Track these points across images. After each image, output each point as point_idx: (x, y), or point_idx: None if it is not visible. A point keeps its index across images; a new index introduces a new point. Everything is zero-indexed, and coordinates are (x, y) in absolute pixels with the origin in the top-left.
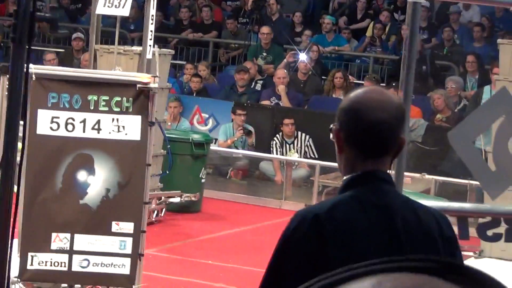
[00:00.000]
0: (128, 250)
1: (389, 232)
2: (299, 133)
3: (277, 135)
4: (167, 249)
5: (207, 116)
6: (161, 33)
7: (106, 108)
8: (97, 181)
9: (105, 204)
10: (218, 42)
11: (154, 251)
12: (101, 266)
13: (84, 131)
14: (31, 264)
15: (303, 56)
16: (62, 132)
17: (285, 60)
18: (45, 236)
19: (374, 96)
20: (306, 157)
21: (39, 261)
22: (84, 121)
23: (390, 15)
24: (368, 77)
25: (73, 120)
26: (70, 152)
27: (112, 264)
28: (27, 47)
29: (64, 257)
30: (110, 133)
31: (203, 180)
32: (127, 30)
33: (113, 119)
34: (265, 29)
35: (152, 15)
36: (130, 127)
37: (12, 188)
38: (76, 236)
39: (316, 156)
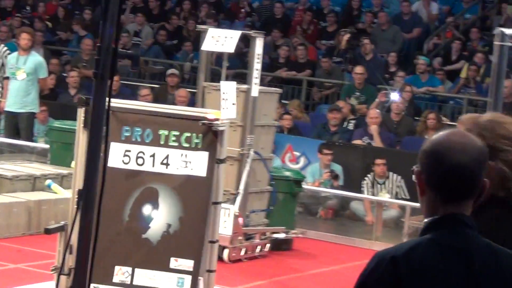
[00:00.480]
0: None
1: (467, 277)
2: (391, 173)
3: (368, 175)
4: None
5: (298, 154)
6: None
7: (176, 144)
8: (160, 216)
9: (165, 239)
10: (312, 80)
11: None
12: None
13: (153, 166)
14: None
15: (395, 96)
16: (132, 166)
17: (377, 99)
18: (108, 268)
19: (456, 139)
20: (397, 198)
21: None
22: (153, 155)
23: (485, 56)
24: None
25: (143, 154)
26: (139, 186)
27: None
28: (109, 82)
29: None
30: (177, 168)
31: (295, 217)
32: (222, 67)
33: (181, 155)
34: (358, 69)
35: (258, 54)
36: (197, 163)
37: (92, 220)
38: (137, 270)
39: (408, 197)
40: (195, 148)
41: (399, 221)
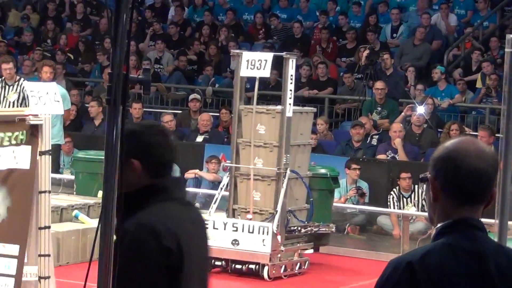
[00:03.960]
0: (13, 271)
1: (482, 278)
2: (416, 186)
3: (394, 189)
4: None
5: None
6: (277, 91)
7: (8, 143)
8: None
9: None
10: (334, 98)
11: None
12: None
13: None
14: None
15: (421, 109)
16: None
17: (402, 113)
18: None
19: (470, 146)
20: (424, 211)
21: None
22: None
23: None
24: (483, 126)
25: None
26: None
27: None
28: (121, 108)
29: None
30: (5, 163)
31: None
32: (244, 89)
33: (12, 151)
34: (379, 84)
35: (291, 75)
36: (21, 157)
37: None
38: None
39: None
40: (20, 144)
41: (426, 233)
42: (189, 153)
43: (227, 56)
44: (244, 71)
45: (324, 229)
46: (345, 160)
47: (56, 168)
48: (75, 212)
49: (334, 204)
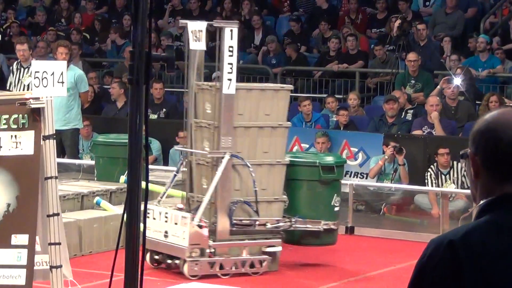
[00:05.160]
0: (24, 262)
1: None
2: (455, 162)
3: (432, 166)
4: None
5: (356, 150)
6: (304, 67)
7: (5, 126)
8: (0, 197)
9: (6, 218)
10: (365, 72)
11: None
12: (2, 278)
13: None
14: None
15: (457, 81)
16: None
17: (438, 86)
18: None
19: (511, 117)
20: (464, 188)
21: None
22: None
23: None
24: None
25: None
26: None
27: (10, 276)
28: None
29: None
30: (9, 149)
31: (336, 209)
32: (269, 65)
33: (11, 136)
34: (412, 56)
35: (231, 47)
36: (25, 142)
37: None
38: None
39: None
40: (23, 128)
41: (467, 211)
42: None
43: (250, 31)
44: (193, 44)
45: (304, 225)
46: (378, 137)
47: (75, 154)
48: (97, 199)
49: (369, 183)
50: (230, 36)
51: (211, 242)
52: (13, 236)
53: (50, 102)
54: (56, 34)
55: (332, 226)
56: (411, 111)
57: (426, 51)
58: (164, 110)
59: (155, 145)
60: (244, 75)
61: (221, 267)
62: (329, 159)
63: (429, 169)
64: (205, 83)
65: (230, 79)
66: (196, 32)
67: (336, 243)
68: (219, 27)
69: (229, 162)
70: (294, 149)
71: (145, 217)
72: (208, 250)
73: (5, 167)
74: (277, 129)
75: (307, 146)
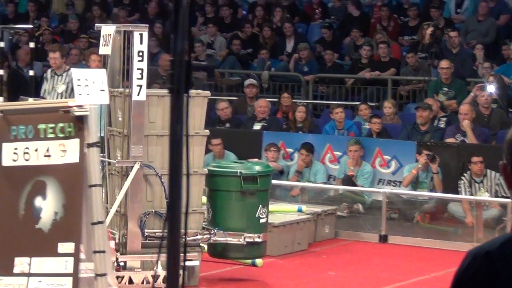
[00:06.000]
0: (70, 270)
1: None
2: (488, 171)
3: (465, 174)
4: None
5: (389, 158)
6: (336, 74)
7: (53, 135)
8: (48, 205)
9: (54, 226)
10: (397, 79)
11: None
12: (49, 286)
13: (38, 159)
14: None
15: (490, 88)
16: (21, 162)
17: (471, 94)
18: (9, 260)
19: None
20: (497, 196)
21: (5, 284)
22: (37, 150)
23: None
24: None
25: (29, 149)
26: (30, 179)
27: (57, 284)
28: (185, 95)
29: (24, 280)
30: (58, 158)
31: (262, 220)
32: (301, 73)
33: (59, 145)
34: (444, 63)
35: (140, 51)
36: (71, 151)
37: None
38: (34, 259)
39: (509, 195)
40: (69, 137)
41: (501, 220)
42: (247, 142)
43: (282, 38)
44: (102, 49)
45: (224, 238)
46: (411, 145)
47: None
48: None
49: (402, 191)
50: (140, 40)
51: (119, 255)
52: (59, 244)
53: (94, 110)
54: (88, 41)
55: (257, 239)
56: (444, 118)
57: (458, 58)
58: None
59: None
60: (276, 82)
61: (130, 281)
62: (254, 168)
63: (463, 178)
64: (117, 89)
65: (140, 85)
66: (106, 36)
67: (264, 256)
68: (127, 31)
69: (139, 172)
70: (327, 157)
71: (186, 228)
72: (115, 263)
73: (54, 175)
74: (194, 137)
75: (340, 154)
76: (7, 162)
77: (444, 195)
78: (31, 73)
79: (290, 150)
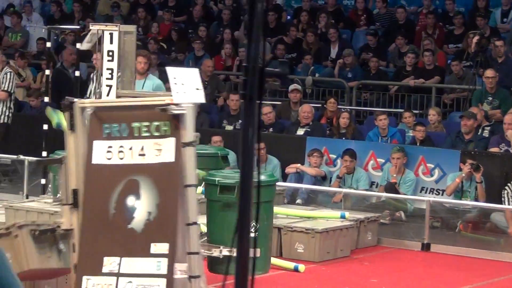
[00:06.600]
0: (164, 271)
1: None
2: None
3: (509, 184)
4: None
5: (432, 166)
6: (380, 81)
7: (148, 134)
8: (141, 205)
9: (147, 226)
10: (441, 87)
11: None
12: (142, 287)
13: (132, 158)
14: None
15: None
16: (115, 160)
17: None
18: (98, 260)
19: None
20: None
21: (93, 283)
22: (131, 148)
23: None
24: None
25: (123, 147)
26: (122, 178)
27: (149, 285)
28: (258, 102)
29: (113, 280)
30: (152, 157)
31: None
32: (345, 79)
33: (154, 143)
34: (489, 72)
35: (110, 51)
36: (167, 149)
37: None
38: (124, 259)
39: None
40: (165, 136)
41: None
42: (290, 147)
43: (327, 43)
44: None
45: None
46: (455, 153)
47: None
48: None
49: (445, 200)
50: (110, 40)
51: None
52: (152, 244)
53: (191, 109)
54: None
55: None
56: (488, 128)
57: (503, 68)
58: (239, 121)
59: (232, 157)
60: (320, 88)
61: None
62: (235, 177)
63: (506, 187)
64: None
65: (109, 86)
66: (93, 34)
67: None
68: (98, 30)
69: None
70: (370, 164)
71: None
72: None
73: (149, 175)
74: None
75: (383, 161)
76: (98, 160)
77: (487, 204)
78: (77, 73)
79: (333, 156)
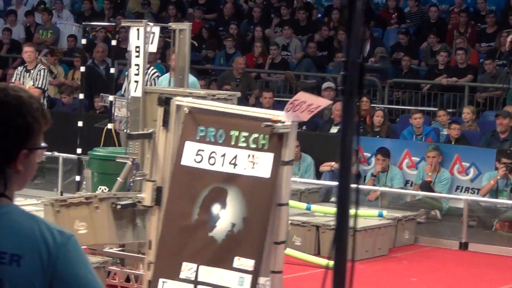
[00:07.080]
0: (246, 287)
1: None
2: None
3: None
4: None
5: (468, 165)
6: (411, 79)
7: (244, 144)
8: (226, 215)
9: (229, 238)
10: (474, 86)
11: None
12: None
13: (222, 165)
14: None
15: None
16: (204, 165)
17: None
18: (176, 264)
19: None
20: None
21: None
22: (224, 155)
23: None
24: None
25: (215, 153)
26: (208, 184)
27: None
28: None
29: (189, 287)
30: (245, 169)
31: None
32: (377, 77)
33: (249, 155)
34: None
35: (137, 46)
36: (262, 164)
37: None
38: (201, 267)
39: None
40: (262, 149)
41: None
42: (324, 145)
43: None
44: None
45: None
46: (491, 152)
47: None
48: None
49: (481, 199)
50: (137, 35)
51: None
52: (236, 258)
53: (294, 127)
54: (164, 41)
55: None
56: None
57: None
58: None
59: None
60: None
61: None
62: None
63: None
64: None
65: (137, 81)
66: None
67: None
68: (126, 26)
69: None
70: (405, 162)
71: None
72: None
73: (238, 186)
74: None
75: (418, 159)
76: (187, 161)
77: None
78: (112, 70)
79: (367, 154)
